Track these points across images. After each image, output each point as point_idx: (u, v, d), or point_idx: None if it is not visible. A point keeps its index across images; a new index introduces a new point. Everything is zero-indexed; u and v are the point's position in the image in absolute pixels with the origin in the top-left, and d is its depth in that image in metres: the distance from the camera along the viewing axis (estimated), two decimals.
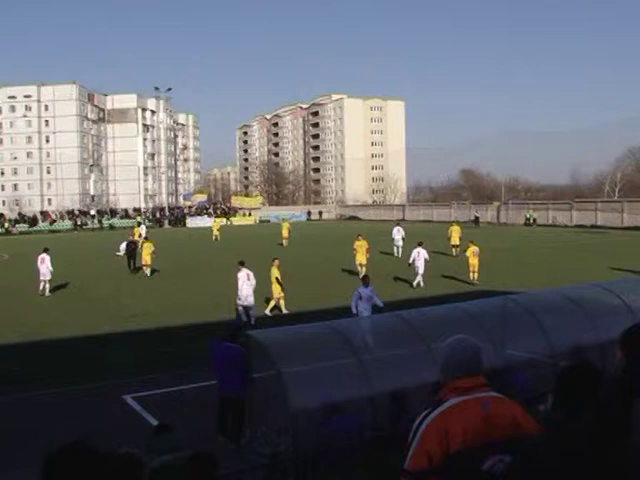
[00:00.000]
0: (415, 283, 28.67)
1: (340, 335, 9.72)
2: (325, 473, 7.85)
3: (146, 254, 35.52)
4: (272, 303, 23.26)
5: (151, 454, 5.75)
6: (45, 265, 29.56)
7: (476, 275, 29.30)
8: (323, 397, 8.98)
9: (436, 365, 3.88)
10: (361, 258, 32.76)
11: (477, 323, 10.89)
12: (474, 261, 29.52)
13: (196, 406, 12.54)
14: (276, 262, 23.72)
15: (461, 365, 3.67)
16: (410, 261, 29.65)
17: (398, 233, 41.76)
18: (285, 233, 54.50)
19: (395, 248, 41.40)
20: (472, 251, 29.72)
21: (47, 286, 29.56)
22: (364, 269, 31.22)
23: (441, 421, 3.46)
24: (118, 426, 11.44)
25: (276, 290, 23.16)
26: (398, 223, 46.63)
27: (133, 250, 36.98)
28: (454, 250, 41.18)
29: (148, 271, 35.49)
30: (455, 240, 41.70)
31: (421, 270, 28.81)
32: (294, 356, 9.40)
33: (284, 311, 23.07)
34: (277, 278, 23.12)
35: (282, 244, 53.33)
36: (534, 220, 76.05)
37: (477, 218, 79.32)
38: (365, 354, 9.35)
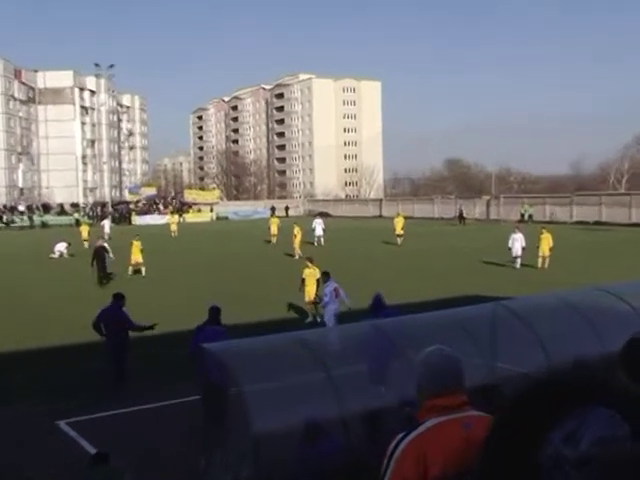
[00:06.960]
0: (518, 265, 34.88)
1: (308, 348, 9.69)
2: None
3: (136, 253, 36.46)
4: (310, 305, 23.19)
5: None
6: None
7: (546, 263, 34.62)
8: (288, 418, 8.95)
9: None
10: (297, 245, 43.38)
11: (464, 332, 10.92)
12: (545, 248, 34.70)
13: (140, 430, 12.45)
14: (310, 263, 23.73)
15: (438, 382, 3.64)
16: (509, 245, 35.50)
17: (319, 225, 52.27)
18: (275, 230, 54.52)
19: (316, 238, 51.60)
20: (544, 238, 34.93)
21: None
22: (299, 253, 41.66)
23: (419, 445, 3.45)
24: (50, 456, 11.29)
25: (312, 292, 22.87)
26: (320, 215, 64.40)
27: (103, 257, 34.42)
28: (398, 239, 49.22)
29: (143, 270, 36.44)
30: (399, 230, 49.69)
31: (518, 252, 34.78)
32: (256, 373, 9.34)
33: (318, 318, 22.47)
34: (318, 279, 22.76)
35: (270, 241, 53.67)
36: (530, 216, 74.60)
37: (462, 214, 78.18)
38: (336, 369, 9.32)
